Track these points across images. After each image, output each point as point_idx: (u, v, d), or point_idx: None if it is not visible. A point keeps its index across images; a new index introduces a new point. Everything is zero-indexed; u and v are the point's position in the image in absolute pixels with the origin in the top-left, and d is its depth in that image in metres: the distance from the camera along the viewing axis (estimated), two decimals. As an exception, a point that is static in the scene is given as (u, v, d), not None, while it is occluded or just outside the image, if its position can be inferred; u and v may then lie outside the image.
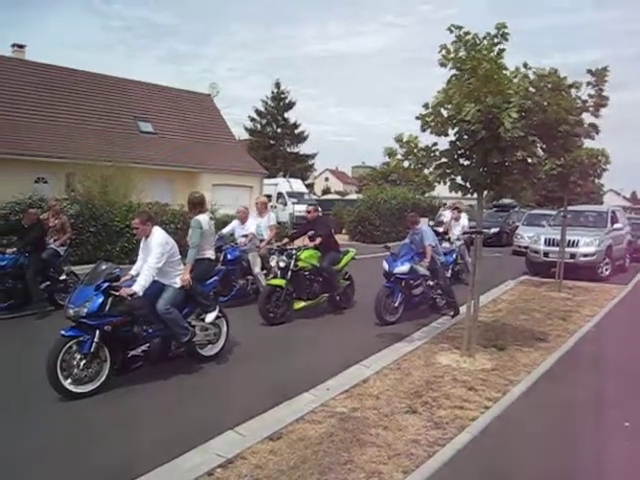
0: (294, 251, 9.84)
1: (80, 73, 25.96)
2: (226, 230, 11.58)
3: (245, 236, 10.95)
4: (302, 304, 9.78)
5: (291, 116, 50.06)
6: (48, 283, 10.01)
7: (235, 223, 11.51)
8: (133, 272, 6.74)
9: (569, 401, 6.11)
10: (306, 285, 9.91)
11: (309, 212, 10.89)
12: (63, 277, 10.30)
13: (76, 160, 17.86)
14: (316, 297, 10.07)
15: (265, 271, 11.21)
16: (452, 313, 9.84)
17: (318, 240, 10.09)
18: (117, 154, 18.82)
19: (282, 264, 9.58)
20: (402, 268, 9.37)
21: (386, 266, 9.54)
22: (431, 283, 9.93)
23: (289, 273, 9.52)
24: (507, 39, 6.42)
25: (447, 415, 5.51)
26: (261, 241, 11.23)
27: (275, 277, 9.76)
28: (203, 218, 7.39)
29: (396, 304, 9.50)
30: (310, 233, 10.47)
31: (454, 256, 12.47)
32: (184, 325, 6.69)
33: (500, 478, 4.46)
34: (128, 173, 17.78)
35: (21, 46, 25.77)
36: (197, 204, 7.54)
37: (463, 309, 9.81)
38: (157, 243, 6.53)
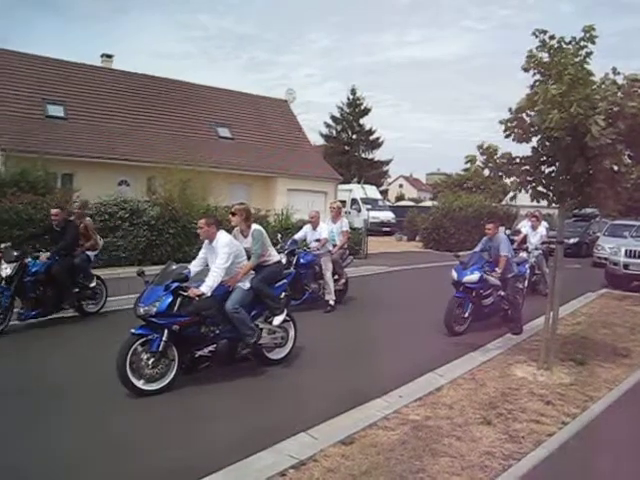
0: None
1: (162, 80, 26.98)
2: (298, 235, 11.57)
3: (318, 240, 11.03)
4: None
5: (366, 122, 50.16)
6: (77, 289, 9.53)
7: (307, 228, 11.51)
8: (192, 268, 6.83)
9: (654, 421, 5.85)
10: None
11: None
12: (92, 284, 9.81)
13: (157, 164, 18.50)
14: None
15: (337, 276, 11.34)
16: (515, 331, 9.29)
17: None
18: (197, 159, 19.33)
19: None
20: (471, 277, 9.11)
21: (455, 275, 9.31)
22: (502, 294, 9.57)
23: None
24: (594, 42, 6.23)
25: (523, 429, 5.36)
26: (334, 246, 11.30)
27: None
28: (260, 227, 7.53)
29: (466, 314, 9.31)
30: None
31: (526, 266, 12.05)
32: (251, 326, 6.76)
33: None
34: (206, 177, 18.25)
35: (109, 56, 27.04)
36: (250, 214, 7.65)
37: (536, 322, 9.63)
38: (223, 244, 6.60)
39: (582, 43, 6.23)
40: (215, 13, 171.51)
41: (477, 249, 9.89)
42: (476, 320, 9.45)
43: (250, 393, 6.36)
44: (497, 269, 9.14)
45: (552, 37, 6.39)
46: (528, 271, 12.52)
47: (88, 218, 10.68)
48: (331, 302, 10.96)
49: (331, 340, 8.84)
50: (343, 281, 11.68)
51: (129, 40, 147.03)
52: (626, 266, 15.07)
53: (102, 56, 27.02)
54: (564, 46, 6.32)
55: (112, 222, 14.32)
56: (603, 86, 6.22)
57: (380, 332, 9.43)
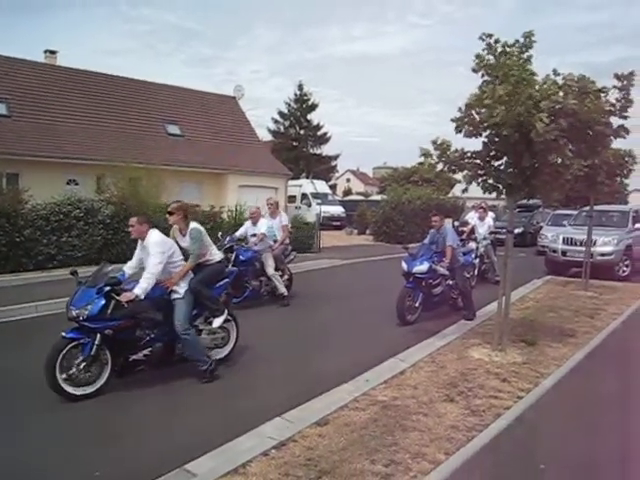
0: None
1: (109, 77, 26.54)
2: (239, 232, 11.39)
3: (254, 235, 10.85)
4: None
5: (314, 117, 50.30)
6: None
7: (247, 224, 11.40)
8: (127, 269, 6.64)
9: (598, 393, 6.37)
10: None
11: None
12: None
13: (106, 162, 18.31)
14: None
15: (280, 272, 11.29)
16: (469, 317, 9.78)
17: None
18: (146, 156, 19.16)
19: None
20: (421, 267, 9.45)
21: (405, 266, 9.61)
22: (451, 282, 10.06)
23: None
24: (532, 47, 6.70)
25: (483, 404, 5.81)
26: (274, 242, 11.28)
27: None
28: (198, 225, 7.17)
29: (417, 304, 9.66)
30: None
31: (472, 255, 12.56)
32: (203, 351, 6.60)
33: (535, 461, 4.74)
34: (157, 175, 18.18)
35: (53, 52, 26.47)
36: (188, 212, 7.23)
37: (488, 308, 10.18)
38: (154, 242, 6.35)
39: (523, 48, 6.69)
40: (158, 6, 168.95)
41: (426, 241, 10.31)
42: (426, 310, 9.82)
43: (202, 391, 6.33)
44: (445, 259, 9.59)
45: (497, 41, 6.84)
46: (477, 260, 13.09)
47: None
48: (285, 293, 11.05)
49: (291, 332, 9.10)
50: (287, 277, 11.60)
51: (71, 33, 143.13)
52: (564, 253, 15.80)
53: (46, 52, 26.42)
54: (507, 49, 6.77)
55: (67, 222, 14.13)
56: (545, 86, 6.69)
57: (338, 322, 9.77)
